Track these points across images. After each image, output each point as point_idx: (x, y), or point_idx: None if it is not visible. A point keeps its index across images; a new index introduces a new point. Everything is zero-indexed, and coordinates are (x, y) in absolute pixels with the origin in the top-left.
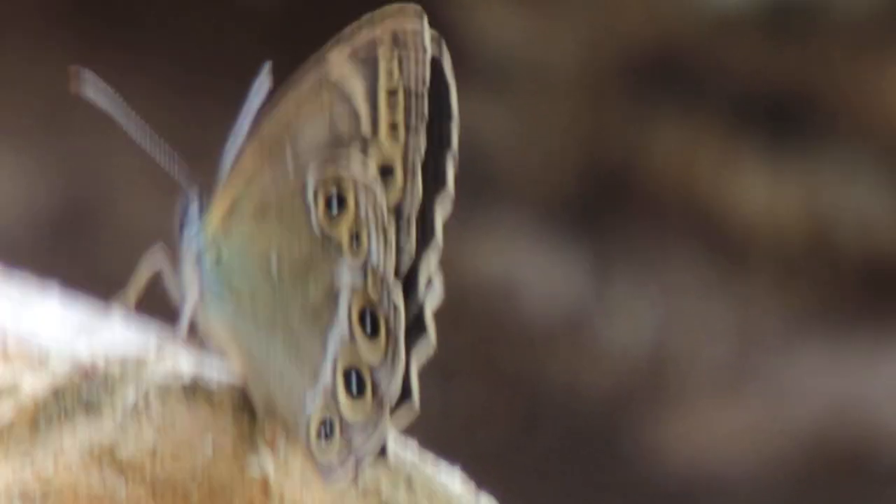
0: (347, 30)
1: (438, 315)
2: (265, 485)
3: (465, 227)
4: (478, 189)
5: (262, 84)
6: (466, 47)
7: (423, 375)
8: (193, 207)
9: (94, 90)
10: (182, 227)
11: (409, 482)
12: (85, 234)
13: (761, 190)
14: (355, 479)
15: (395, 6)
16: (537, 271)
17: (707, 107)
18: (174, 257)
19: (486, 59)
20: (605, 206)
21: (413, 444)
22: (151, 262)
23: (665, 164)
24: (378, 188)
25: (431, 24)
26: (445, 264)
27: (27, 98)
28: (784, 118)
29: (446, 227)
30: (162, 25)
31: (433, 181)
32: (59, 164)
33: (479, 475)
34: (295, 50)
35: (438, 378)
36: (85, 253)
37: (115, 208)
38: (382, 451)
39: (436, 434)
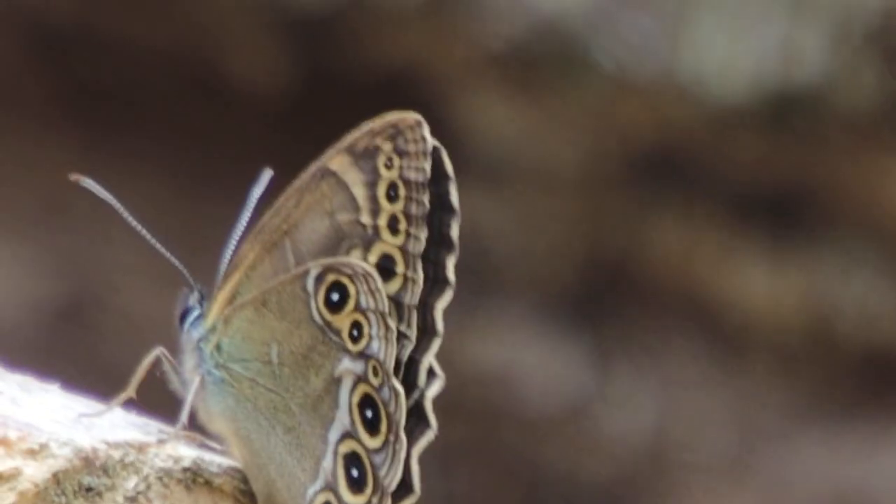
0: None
1: (439, 404)
2: None
3: (466, 317)
4: (478, 280)
5: (262, 183)
6: (467, 143)
7: (423, 465)
8: (194, 296)
9: (96, 189)
10: (183, 316)
11: None
12: (85, 326)
13: (761, 283)
14: None
15: (395, 112)
16: (538, 361)
17: (707, 201)
18: (175, 346)
19: (487, 154)
20: (606, 298)
21: None
22: (152, 356)
23: (665, 257)
24: (378, 278)
25: (432, 122)
26: (446, 354)
27: (27, 192)
28: (784, 212)
29: (447, 316)
30: (164, 121)
31: (433, 271)
32: (59, 257)
33: None
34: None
35: (439, 467)
36: (86, 344)
37: (116, 301)
38: None
39: None
